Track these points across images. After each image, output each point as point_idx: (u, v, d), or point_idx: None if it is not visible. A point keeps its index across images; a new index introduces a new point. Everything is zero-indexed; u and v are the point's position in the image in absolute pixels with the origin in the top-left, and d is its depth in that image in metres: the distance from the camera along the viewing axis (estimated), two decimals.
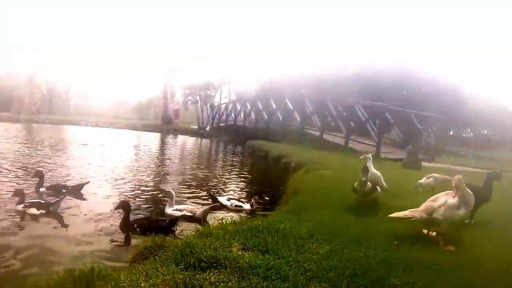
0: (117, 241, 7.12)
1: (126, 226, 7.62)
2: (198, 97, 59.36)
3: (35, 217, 8.08)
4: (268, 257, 4.40)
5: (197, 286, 3.59)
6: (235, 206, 9.99)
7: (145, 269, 4.08)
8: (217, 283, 3.68)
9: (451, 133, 52.12)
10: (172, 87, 61.78)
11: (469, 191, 5.60)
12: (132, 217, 7.88)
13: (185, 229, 7.79)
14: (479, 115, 45.21)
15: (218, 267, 4.09)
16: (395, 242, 5.53)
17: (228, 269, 4.04)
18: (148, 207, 9.76)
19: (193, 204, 10.00)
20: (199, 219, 8.74)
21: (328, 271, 4.17)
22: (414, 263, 4.61)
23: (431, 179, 10.53)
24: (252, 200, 10.14)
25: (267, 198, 10.75)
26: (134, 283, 3.71)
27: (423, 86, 43.15)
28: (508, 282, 4.38)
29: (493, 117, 47.00)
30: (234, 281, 3.76)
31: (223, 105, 50.64)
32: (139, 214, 8.70)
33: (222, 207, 10.07)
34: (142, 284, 3.66)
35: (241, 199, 10.57)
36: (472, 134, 54.42)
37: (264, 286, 3.66)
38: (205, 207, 9.16)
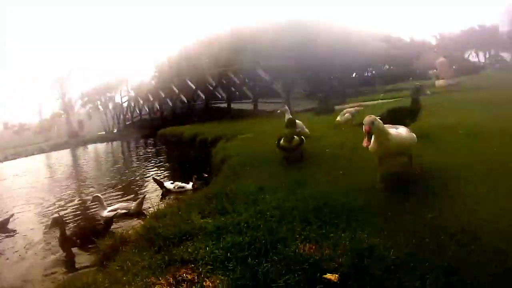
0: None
1: (65, 241, 7.25)
2: (98, 102, 58.22)
3: None
4: (231, 216, 4.55)
5: (179, 260, 3.68)
6: (178, 187, 10.03)
7: (119, 264, 4.12)
8: (196, 251, 3.78)
9: (354, 75, 53.64)
10: (70, 99, 60.33)
11: (387, 133, 5.21)
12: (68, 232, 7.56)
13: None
14: (376, 52, 46.77)
15: (189, 238, 4.20)
16: (341, 172, 5.85)
17: (199, 237, 4.15)
18: (82, 218, 9.51)
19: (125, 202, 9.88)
20: (136, 213, 8.83)
21: (292, 210, 4.38)
22: (358, 186, 5.01)
23: (347, 114, 11.03)
24: (194, 179, 10.12)
25: (206, 175, 10.72)
26: (115, 279, 3.74)
27: (318, 38, 43.93)
28: None
29: (389, 51, 48.81)
30: (211, 244, 3.87)
31: (125, 104, 49.85)
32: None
33: (167, 191, 10.22)
34: (124, 278, 3.68)
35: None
36: (374, 72, 56.11)
37: (241, 240, 3.80)
38: (138, 200, 9.14)
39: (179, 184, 10.12)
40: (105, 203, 9.10)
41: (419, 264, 3.15)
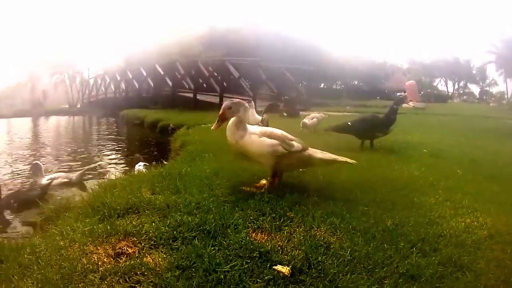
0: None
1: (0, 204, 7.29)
2: (65, 75, 57.38)
3: None
4: (182, 195, 4.35)
5: (122, 231, 3.47)
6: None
7: (58, 229, 3.90)
8: (141, 225, 3.58)
9: (322, 86, 54.10)
10: (38, 68, 59.03)
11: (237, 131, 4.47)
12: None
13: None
14: (347, 67, 47.23)
15: (136, 211, 3.99)
16: (300, 169, 5.71)
17: (146, 211, 3.95)
18: (22, 184, 9.31)
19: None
20: (77, 183, 8.85)
21: (247, 199, 4.20)
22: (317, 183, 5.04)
23: (314, 119, 11.01)
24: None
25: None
26: (51, 243, 3.52)
27: (290, 46, 43.97)
28: None
29: (360, 68, 49.33)
30: (157, 220, 3.68)
31: (92, 80, 49.15)
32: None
33: None
34: (61, 243, 3.45)
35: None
36: (343, 86, 56.73)
37: (190, 220, 3.61)
38: (81, 171, 9.20)
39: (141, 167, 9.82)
40: (43, 172, 8.82)
41: (378, 267, 3.02)
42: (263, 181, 4.80)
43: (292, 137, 4.59)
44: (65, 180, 8.75)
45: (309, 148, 4.62)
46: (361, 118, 8.79)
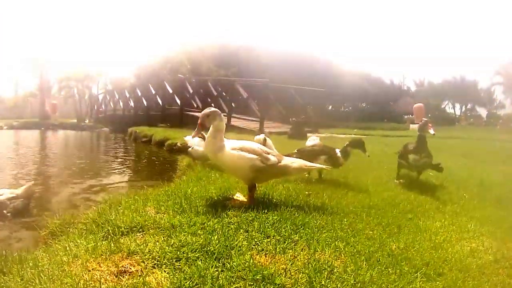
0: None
1: None
2: (75, 90, 57.70)
3: None
4: (187, 215, 4.35)
5: (125, 250, 3.46)
6: None
7: (62, 244, 3.89)
8: (144, 244, 3.57)
9: (330, 108, 54.03)
10: (48, 81, 59.35)
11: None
12: None
13: None
14: (356, 89, 47.18)
15: (140, 230, 3.99)
16: (306, 192, 5.69)
17: (150, 230, 3.94)
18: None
19: None
20: (25, 197, 8.50)
21: (251, 222, 4.19)
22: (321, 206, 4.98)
23: (319, 142, 10.99)
24: None
25: None
26: (54, 258, 3.51)
27: (300, 66, 44.03)
28: None
29: (368, 90, 49.24)
30: (161, 240, 3.67)
31: (101, 95, 49.30)
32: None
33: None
34: (64, 258, 3.44)
35: None
36: (350, 108, 56.65)
37: (194, 240, 3.60)
38: (26, 185, 8.82)
39: None
40: None
41: None
42: (240, 197, 5.10)
43: (269, 151, 4.93)
44: (11, 195, 8.67)
45: (284, 158, 4.92)
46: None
